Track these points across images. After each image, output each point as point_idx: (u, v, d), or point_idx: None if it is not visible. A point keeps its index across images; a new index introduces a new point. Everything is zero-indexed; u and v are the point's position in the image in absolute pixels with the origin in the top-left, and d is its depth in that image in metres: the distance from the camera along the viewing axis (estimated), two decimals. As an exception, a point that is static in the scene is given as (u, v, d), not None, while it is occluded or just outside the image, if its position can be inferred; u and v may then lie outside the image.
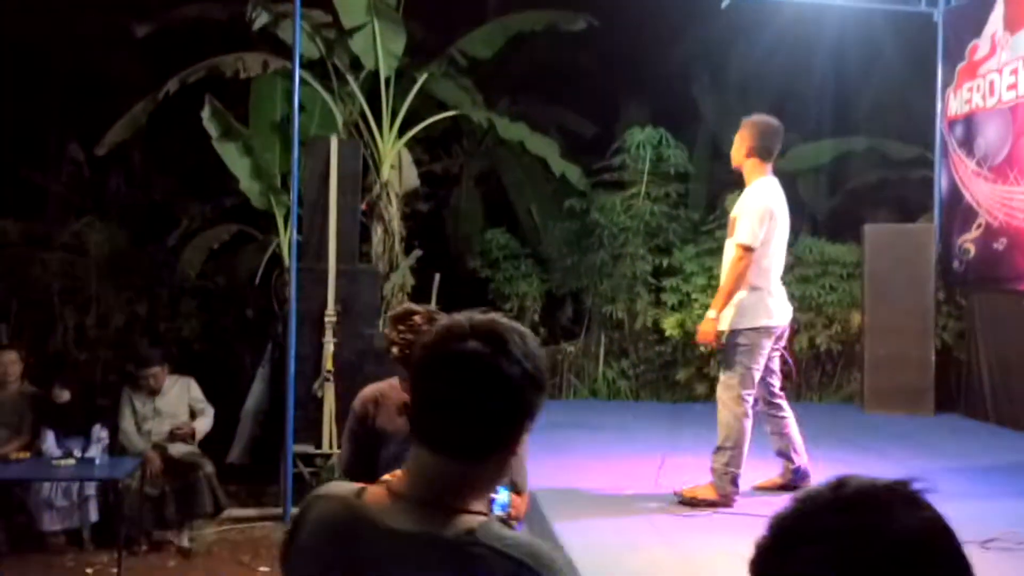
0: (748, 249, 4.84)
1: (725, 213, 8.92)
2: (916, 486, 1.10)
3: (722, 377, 5.03)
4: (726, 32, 9.33)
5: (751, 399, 4.97)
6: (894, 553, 1.03)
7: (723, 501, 4.89)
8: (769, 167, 5.04)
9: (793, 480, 5.15)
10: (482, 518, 1.44)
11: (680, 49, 9.96)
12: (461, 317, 1.50)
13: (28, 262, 8.46)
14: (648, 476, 5.59)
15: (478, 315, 1.51)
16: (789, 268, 8.69)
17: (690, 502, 4.91)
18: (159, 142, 9.79)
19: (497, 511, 1.79)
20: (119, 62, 9.40)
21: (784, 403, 5.27)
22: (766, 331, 4.94)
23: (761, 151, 4.99)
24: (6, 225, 8.55)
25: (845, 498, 1.07)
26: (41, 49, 9.73)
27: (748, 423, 4.94)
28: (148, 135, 9.49)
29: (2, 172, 9.41)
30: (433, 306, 3.12)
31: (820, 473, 5.33)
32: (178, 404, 6.99)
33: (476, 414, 1.44)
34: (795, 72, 9.80)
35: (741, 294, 4.91)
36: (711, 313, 4.90)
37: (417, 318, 3.04)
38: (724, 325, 4.89)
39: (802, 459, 5.22)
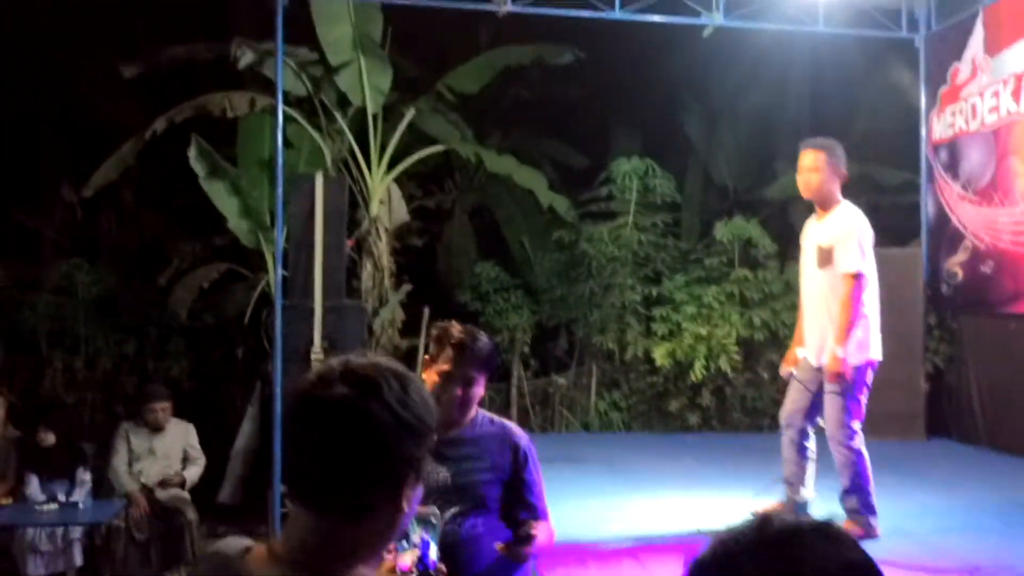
0: (857, 276, 4.71)
1: (716, 241, 8.94)
2: (838, 525, 1.07)
3: (834, 415, 4.80)
4: (712, 61, 9.36)
5: (859, 429, 4.85)
6: None
7: (868, 534, 4.73)
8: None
9: (796, 511, 5.04)
10: None
11: (667, 79, 10.00)
12: (335, 360, 1.40)
13: (17, 305, 8.47)
14: (636, 512, 5.53)
15: (356, 357, 1.40)
16: (780, 295, 8.73)
17: None
18: (151, 181, 9.84)
19: (428, 566, 1.71)
20: (110, 103, 9.45)
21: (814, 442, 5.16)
22: (872, 365, 4.83)
23: (841, 175, 4.88)
24: (-7, 268, 8.58)
25: (768, 538, 1.04)
26: (33, 92, 9.80)
27: (866, 455, 4.83)
28: (140, 175, 9.56)
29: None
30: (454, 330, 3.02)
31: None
32: (174, 447, 6.99)
33: (343, 467, 1.32)
34: (782, 99, 9.83)
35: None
36: (839, 351, 4.66)
37: (453, 330, 2.94)
38: (851, 360, 4.71)
39: (809, 493, 5.09)
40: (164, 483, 6.78)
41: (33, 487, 6.56)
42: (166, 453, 6.94)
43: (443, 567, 1.72)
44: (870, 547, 1.05)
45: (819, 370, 4.87)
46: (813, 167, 4.87)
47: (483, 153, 9.00)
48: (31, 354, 8.53)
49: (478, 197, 10.59)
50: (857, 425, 4.81)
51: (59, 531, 6.40)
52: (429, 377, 2.89)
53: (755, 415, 8.85)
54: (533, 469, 3.01)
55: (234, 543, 1.47)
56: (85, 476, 6.43)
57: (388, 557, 1.77)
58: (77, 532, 6.47)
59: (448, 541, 2.69)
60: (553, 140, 10.85)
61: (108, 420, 8.04)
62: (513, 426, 3.12)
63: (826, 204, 4.90)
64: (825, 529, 1.05)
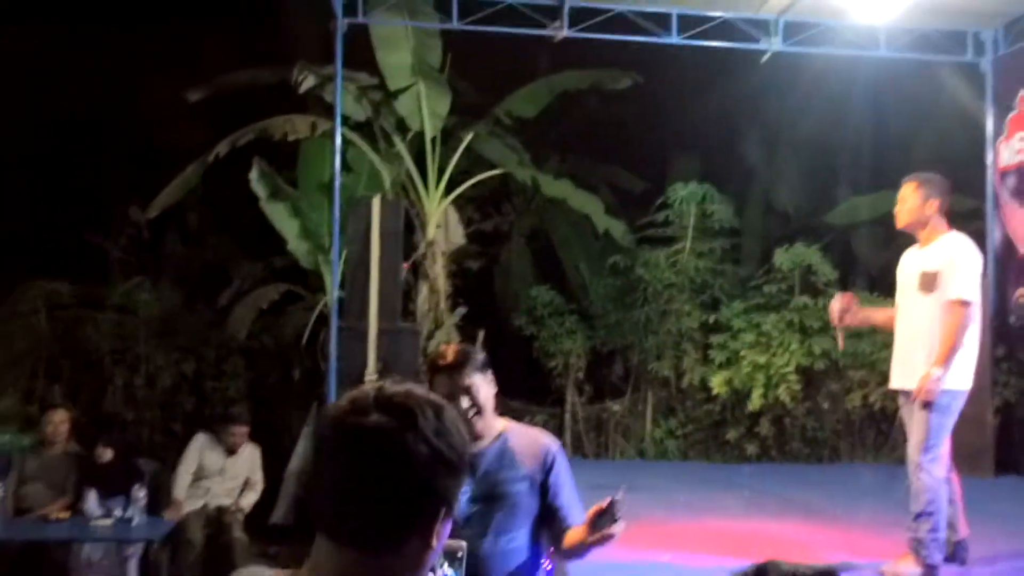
0: (965, 304, 4.65)
1: (776, 268, 8.78)
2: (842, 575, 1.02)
3: (917, 438, 4.71)
4: (771, 86, 9.26)
5: (941, 456, 4.73)
6: None
7: (929, 572, 4.63)
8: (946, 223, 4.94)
9: (955, 552, 4.84)
10: None
11: (726, 104, 9.91)
12: (369, 387, 1.34)
13: (81, 323, 8.67)
14: (686, 541, 5.43)
15: (390, 385, 1.34)
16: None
17: None
18: (214, 203, 10.03)
19: None
20: (175, 127, 9.67)
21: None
22: (963, 395, 4.73)
23: (940, 204, 4.87)
24: (60, 287, 8.77)
25: None
26: (103, 117, 10.09)
27: (943, 486, 4.71)
28: (203, 197, 9.76)
29: (65, 236, 9.73)
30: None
31: (873, 537, 5.12)
32: (242, 469, 7.05)
33: (376, 499, 1.27)
34: (843, 124, 9.67)
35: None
36: (935, 372, 4.57)
37: (434, 356, 3.06)
38: (946, 384, 4.61)
39: (964, 531, 4.91)
40: (222, 512, 6.84)
41: (91, 502, 6.65)
42: (234, 475, 7.01)
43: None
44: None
45: (907, 394, 4.79)
46: (913, 199, 4.89)
47: (539, 177, 9.00)
48: (95, 371, 8.70)
49: (535, 221, 10.60)
50: (939, 451, 4.67)
51: (114, 547, 6.49)
52: None
53: (815, 445, 8.65)
54: (564, 473, 3.02)
55: (257, 573, 1.43)
56: (140, 493, 6.48)
57: None
58: (132, 548, 6.55)
59: (480, 554, 2.75)
60: (611, 165, 10.83)
61: (165, 438, 8.16)
62: (542, 433, 3.15)
63: (926, 233, 4.88)
64: None
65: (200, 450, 6.94)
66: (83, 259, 9.81)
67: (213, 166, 8.15)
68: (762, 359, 8.47)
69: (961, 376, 4.67)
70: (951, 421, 4.70)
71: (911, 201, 4.88)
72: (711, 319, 8.92)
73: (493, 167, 9.01)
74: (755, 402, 8.46)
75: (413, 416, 1.29)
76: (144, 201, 8.87)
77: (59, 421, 7.01)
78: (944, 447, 4.70)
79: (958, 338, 4.62)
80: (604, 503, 2.69)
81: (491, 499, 2.89)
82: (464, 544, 1.69)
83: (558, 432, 9.03)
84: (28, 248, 9.41)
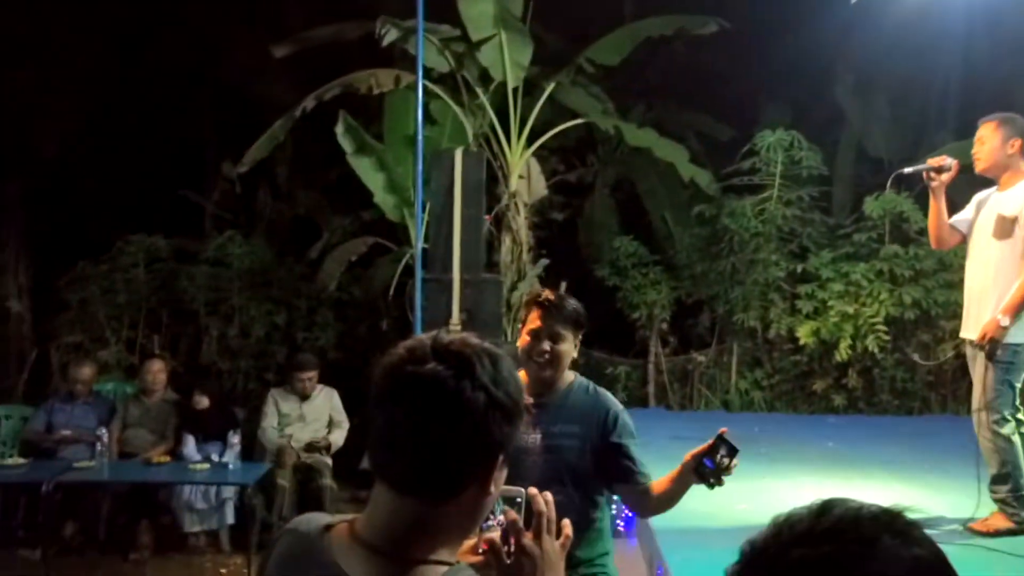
0: None
1: (866, 217, 8.55)
2: (911, 517, 0.99)
3: (982, 392, 4.54)
4: (864, 28, 8.93)
5: (1012, 417, 4.53)
6: None
7: (1020, 528, 4.46)
8: None
9: None
10: (443, 568, 1.30)
11: (816, 47, 9.60)
12: (425, 336, 1.35)
13: (177, 276, 8.98)
14: (768, 492, 5.40)
15: (446, 334, 1.35)
16: (932, 273, 8.29)
17: (990, 534, 4.46)
18: (303, 158, 10.21)
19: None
20: (263, 83, 9.83)
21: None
22: None
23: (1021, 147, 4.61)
24: (158, 242, 9.08)
25: (826, 526, 0.97)
26: (195, 76, 10.32)
27: (1017, 443, 4.52)
28: (292, 152, 9.95)
29: (162, 192, 10.05)
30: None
31: (962, 492, 5.01)
32: (321, 412, 7.31)
33: (433, 446, 1.27)
34: (938, 67, 9.29)
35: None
36: (1003, 320, 4.39)
37: (540, 292, 3.05)
38: (1012, 338, 4.43)
39: None
40: (311, 447, 7.10)
41: (189, 447, 6.98)
42: (314, 418, 7.28)
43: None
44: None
45: (973, 344, 4.59)
46: (983, 139, 4.62)
47: (623, 126, 8.88)
48: (191, 322, 9.02)
49: (620, 171, 10.49)
50: (1008, 411, 4.48)
51: (212, 490, 6.79)
52: (521, 340, 2.94)
53: (905, 397, 8.47)
54: (626, 435, 2.98)
55: (316, 519, 1.44)
56: (235, 439, 6.76)
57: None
58: (229, 492, 6.84)
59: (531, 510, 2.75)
60: (697, 112, 10.62)
61: (260, 386, 8.44)
62: (608, 395, 3.11)
63: (1007, 176, 4.60)
64: (891, 521, 0.97)
65: (275, 402, 7.21)
66: (179, 214, 10.13)
67: (300, 121, 8.26)
68: (850, 309, 8.30)
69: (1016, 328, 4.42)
70: (1018, 377, 4.47)
71: (990, 142, 4.59)
72: (798, 268, 8.76)
73: (576, 117, 8.92)
74: (843, 353, 8.31)
75: (470, 364, 1.30)
76: (235, 157, 9.07)
77: (157, 370, 7.33)
78: (1012, 400, 4.47)
79: None
80: (707, 444, 2.64)
81: (546, 451, 2.89)
82: (523, 491, 1.72)
83: (641, 383, 9.03)
84: (127, 205, 9.75)
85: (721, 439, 2.62)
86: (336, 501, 6.93)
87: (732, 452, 2.60)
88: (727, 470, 2.64)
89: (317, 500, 6.72)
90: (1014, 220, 4.50)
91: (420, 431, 1.28)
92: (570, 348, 2.96)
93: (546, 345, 2.89)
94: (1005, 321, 4.38)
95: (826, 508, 0.99)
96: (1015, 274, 4.45)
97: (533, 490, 1.51)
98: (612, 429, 2.96)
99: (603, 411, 2.98)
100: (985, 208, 4.70)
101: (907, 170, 4.86)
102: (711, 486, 2.65)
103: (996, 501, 4.56)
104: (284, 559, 1.43)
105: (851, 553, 0.94)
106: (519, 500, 1.71)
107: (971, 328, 4.64)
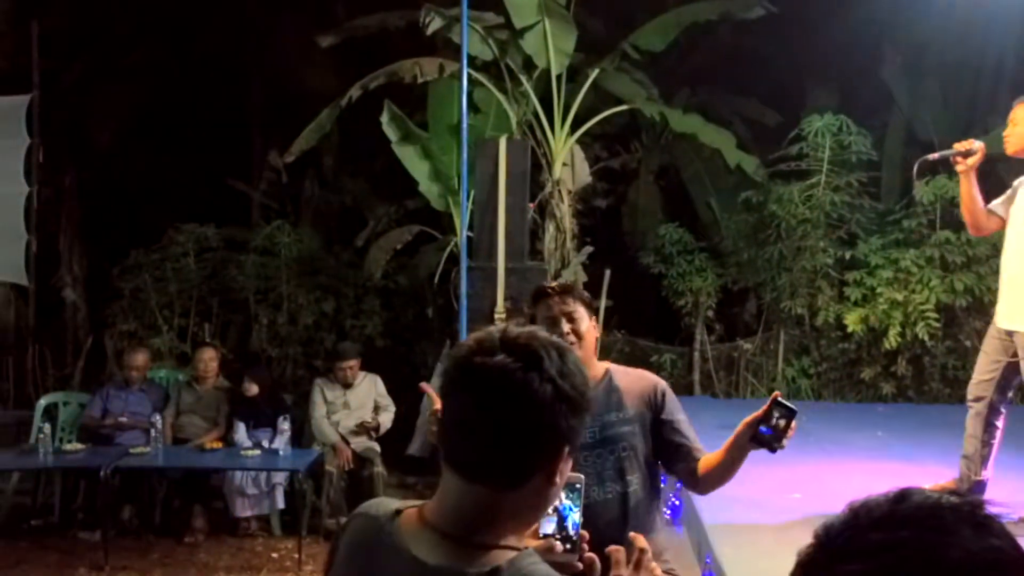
0: None
1: (916, 202, 8.42)
2: (991, 510, 0.98)
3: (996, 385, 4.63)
4: (914, 10, 8.78)
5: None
6: None
7: None
8: None
9: (973, 491, 4.77)
10: (512, 554, 1.33)
11: (864, 32, 9.46)
12: (495, 329, 1.40)
13: (227, 265, 9.11)
14: (816, 480, 5.38)
15: (515, 327, 1.40)
16: (985, 259, 8.15)
17: None
18: (349, 148, 10.30)
19: (569, 531, 1.72)
20: (309, 73, 9.92)
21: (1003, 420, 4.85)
22: None
23: None
24: (208, 231, 9.22)
25: (904, 512, 0.97)
26: (241, 67, 10.45)
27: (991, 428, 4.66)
28: (339, 141, 10.03)
29: (210, 182, 10.20)
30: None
31: (1016, 482, 4.95)
32: (365, 398, 7.40)
33: (502, 436, 1.32)
34: (991, 48, 9.10)
35: None
36: None
37: (538, 288, 3.06)
38: None
39: (988, 473, 4.82)
40: (360, 428, 7.21)
41: (240, 433, 7.10)
42: (359, 405, 7.37)
43: (585, 533, 1.72)
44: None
45: (1011, 335, 4.53)
46: (1015, 120, 4.56)
47: (667, 112, 8.83)
48: (241, 310, 9.16)
49: (664, 157, 10.44)
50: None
51: (263, 476, 6.90)
52: None
53: (956, 385, 8.32)
54: (676, 410, 2.97)
55: (386, 504, 1.49)
56: (285, 425, 6.87)
57: None
58: (279, 477, 6.95)
59: (591, 502, 2.70)
60: (743, 97, 10.52)
61: (308, 373, 8.55)
62: (645, 372, 3.10)
63: None
64: (971, 511, 0.97)
65: (321, 391, 7.31)
66: (227, 204, 10.28)
67: (346, 110, 8.33)
68: (900, 296, 8.20)
69: None
70: None
71: (1023, 124, 4.54)
72: (847, 255, 8.65)
73: (620, 103, 8.89)
74: (892, 340, 8.21)
75: (537, 357, 1.34)
76: (281, 147, 9.17)
77: (208, 358, 7.47)
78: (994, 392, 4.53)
79: None
80: (761, 411, 2.58)
81: (601, 443, 2.86)
82: (583, 477, 1.75)
83: (687, 371, 9.01)
84: (177, 195, 9.91)
85: (776, 403, 2.57)
86: (385, 487, 7.01)
87: (789, 414, 2.55)
88: (786, 433, 2.56)
89: (369, 487, 6.81)
90: None
91: (489, 421, 1.33)
92: (591, 329, 2.95)
93: (566, 327, 2.88)
94: None
95: (904, 495, 1.00)
96: None
97: (622, 548, 1.61)
98: (663, 405, 2.94)
99: (650, 388, 2.96)
100: (1021, 192, 4.63)
101: (933, 156, 4.86)
102: (773, 450, 2.59)
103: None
104: (355, 541, 1.47)
105: (930, 541, 0.94)
106: (579, 486, 1.74)
107: (1005, 316, 4.57)
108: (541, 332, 1.40)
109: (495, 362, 1.33)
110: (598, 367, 2.99)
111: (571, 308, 2.91)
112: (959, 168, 4.61)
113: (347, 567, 1.47)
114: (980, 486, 4.77)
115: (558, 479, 1.38)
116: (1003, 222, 4.72)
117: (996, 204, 4.73)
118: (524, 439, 1.33)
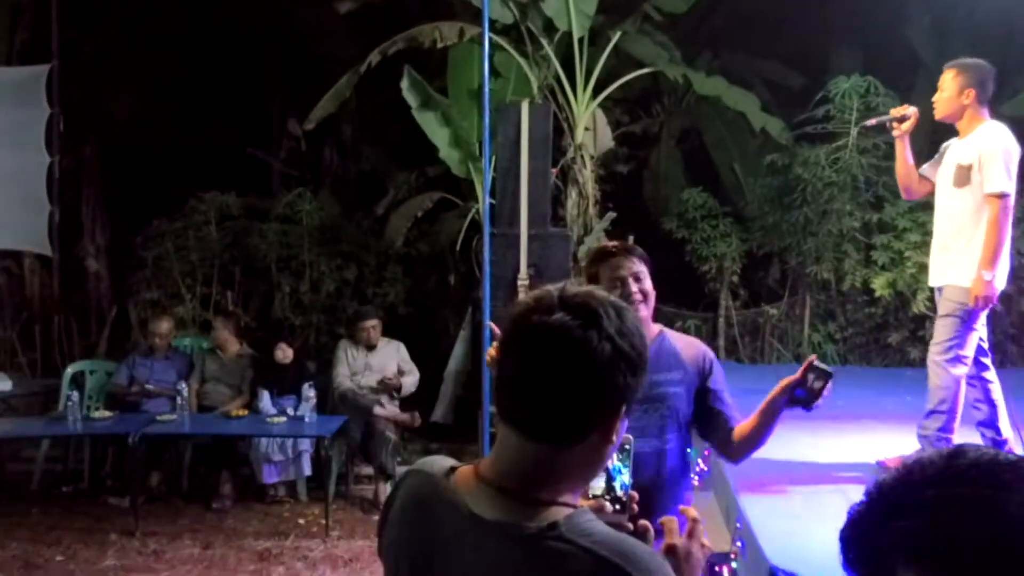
0: (1003, 197, 4.44)
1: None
2: None
3: (943, 339, 4.62)
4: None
5: (968, 362, 4.64)
6: (1007, 535, 0.90)
7: None
8: (987, 112, 4.69)
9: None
10: (569, 510, 1.34)
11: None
12: (553, 287, 1.39)
13: (248, 233, 9.10)
14: (845, 444, 5.35)
15: (573, 286, 1.40)
16: (1016, 222, 8.02)
17: None
18: (368, 114, 10.23)
19: (618, 491, 1.71)
20: (327, 40, 9.86)
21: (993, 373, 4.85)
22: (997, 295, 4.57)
23: (982, 96, 4.64)
24: (229, 200, 9.21)
25: (960, 468, 0.96)
26: (259, 35, 10.38)
27: (963, 388, 4.64)
28: (358, 108, 9.97)
29: (230, 151, 10.17)
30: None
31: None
32: (388, 362, 7.46)
33: (560, 394, 1.32)
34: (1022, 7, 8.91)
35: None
36: (986, 275, 4.41)
37: (600, 248, 3.11)
38: (999, 284, 4.49)
39: (1004, 433, 4.80)
40: (383, 385, 7.25)
41: (265, 401, 7.13)
42: (381, 368, 7.42)
43: (634, 493, 1.71)
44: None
45: (940, 291, 4.71)
46: (951, 87, 4.64)
47: (691, 75, 8.71)
48: (263, 278, 9.16)
49: (687, 121, 10.32)
50: (961, 352, 4.54)
51: (289, 442, 6.93)
52: None
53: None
54: (722, 380, 3.03)
55: (440, 461, 1.50)
56: (310, 392, 6.89)
57: None
58: (306, 444, 6.99)
59: (639, 452, 2.76)
60: (767, 59, 10.37)
61: (331, 340, 8.55)
62: (697, 339, 3.18)
63: (964, 123, 4.64)
64: None
65: (344, 353, 7.37)
66: (247, 172, 10.26)
67: (365, 77, 8.26)
68: (928, 260, 8.09)
69: (997, 275, 4.46)
70: (980, 325, 4.57)
71: (948, 90, 4.64)
72: (874, 219, 8.54)
73: (642, 66, 8.78)
74: (919, 305, 8.13)
75: (596, 315, 1.34)
76: (301, 115, 9.12)
77: (218, 328, 7.52)
78: (969, 348, 4.56)
79: (1000, 235, 4.41)
80: (798, 374, 2.66)
81: (648, 400, 2.89)
82: (631, 438, 1.74)
83: (712, 337, 8.95)
84: (198, 163, 9.89)
85: (812, 367, 2.66)
86: (409, 453, 7.04)
87: (825, 377, 2.64)
88: (820, 394, 2.67)
89: (379, 452, 6.88)
90: (970, 168, 4.51)
91: (547, 379, 1.33)
92: (651, 287, 3.00)
93: (634, 287, 2.93)
94: (988, 275, 4.40)
95: (960, 451, 0.98)
96: (975, 222, 4.48)
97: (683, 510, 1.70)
98: (710, 373, 3.00)
99: (700, 355, 3.02)
100: (947, 156, 4.73)
101: (871, 122, 5.13)
102: (808, 408, 2.68)
103: (920, 437, 4.64)
104: (412, 497, 1.48)
105: (986, 497, 0.92)
106: (628, 447, 1.73)
107: (936, 277, 4.76)
108: (599, 291, 1.40)
109: (554, 320, 1.33)
110: (653, 328, 3.03)
111: (637, 268, 2.96)
112: (895, 133, 4.81)
113: (402, 523, 1.48)
114: (1002, 445, 4.76)
115: (614, 437, 1.39)
116: (932, 186, 4.84)
117: (926, 168, 4.86)
118: (582, 397, 1.33)
